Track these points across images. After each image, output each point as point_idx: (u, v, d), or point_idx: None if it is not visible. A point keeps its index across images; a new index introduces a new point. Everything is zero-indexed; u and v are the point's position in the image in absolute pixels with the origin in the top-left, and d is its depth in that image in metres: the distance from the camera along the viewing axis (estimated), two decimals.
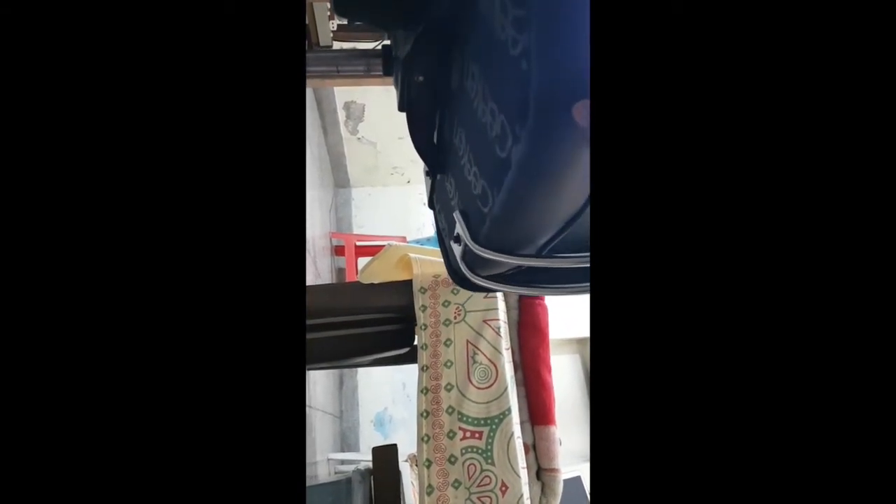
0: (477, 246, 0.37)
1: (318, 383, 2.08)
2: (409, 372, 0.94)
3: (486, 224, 0.36)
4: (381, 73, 0.46)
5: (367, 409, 2.68)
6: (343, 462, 1.88)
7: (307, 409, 1.81)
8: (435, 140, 0.44)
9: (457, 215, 0.39)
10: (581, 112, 0.25)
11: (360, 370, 2.68)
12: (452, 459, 0.82)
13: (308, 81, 1.14)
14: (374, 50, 0.63)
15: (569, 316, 1.47)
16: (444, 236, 0.49)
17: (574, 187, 0.30)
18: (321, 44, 0.85)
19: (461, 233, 0.39)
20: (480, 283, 0.38)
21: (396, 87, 0.45)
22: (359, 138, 2.65)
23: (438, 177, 0.47)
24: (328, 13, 0.97)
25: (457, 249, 0.41)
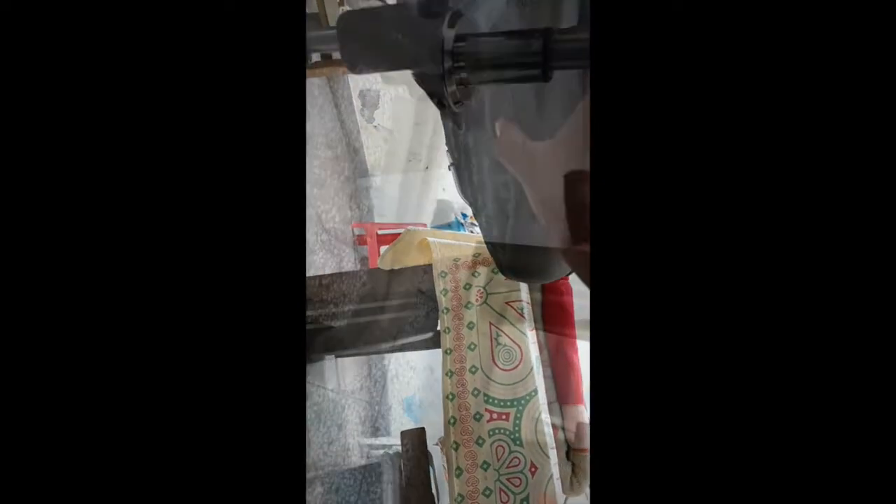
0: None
1: (348, 370, 2.11)
2: (437, 356, 0.94)
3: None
4: None
5: (396, 393, 2.71)
6: (374, 447, 1.91)
7: (337, 395, 1.84)
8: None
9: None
10: None
11: (389, 356, 2.70)
12: (480, 441, 0.82)
13: (321, 70, 1.14)
14: None
15: None
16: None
17: None
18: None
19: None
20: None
21: None
22: (375, 126, 2.64)
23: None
24: None
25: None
